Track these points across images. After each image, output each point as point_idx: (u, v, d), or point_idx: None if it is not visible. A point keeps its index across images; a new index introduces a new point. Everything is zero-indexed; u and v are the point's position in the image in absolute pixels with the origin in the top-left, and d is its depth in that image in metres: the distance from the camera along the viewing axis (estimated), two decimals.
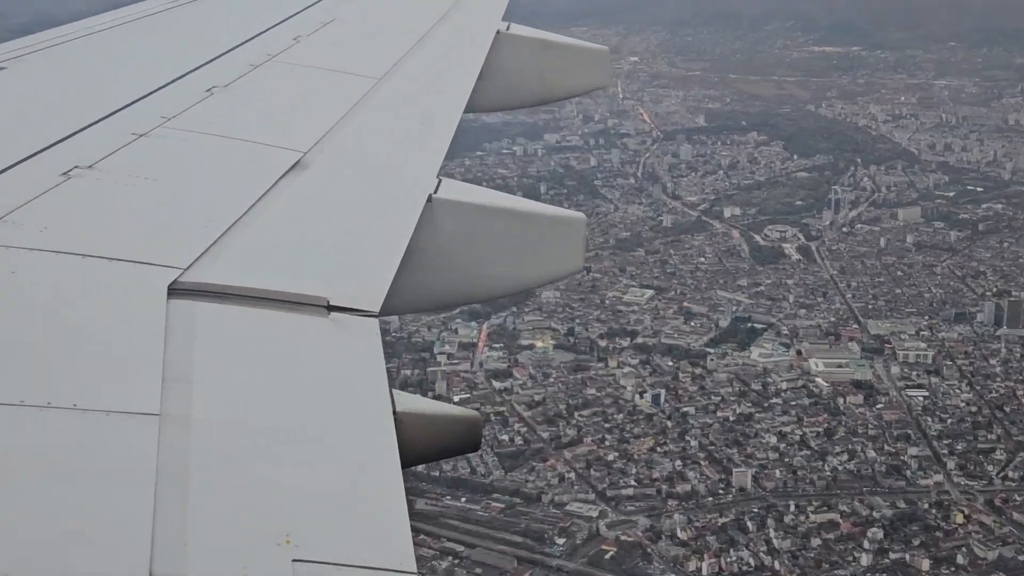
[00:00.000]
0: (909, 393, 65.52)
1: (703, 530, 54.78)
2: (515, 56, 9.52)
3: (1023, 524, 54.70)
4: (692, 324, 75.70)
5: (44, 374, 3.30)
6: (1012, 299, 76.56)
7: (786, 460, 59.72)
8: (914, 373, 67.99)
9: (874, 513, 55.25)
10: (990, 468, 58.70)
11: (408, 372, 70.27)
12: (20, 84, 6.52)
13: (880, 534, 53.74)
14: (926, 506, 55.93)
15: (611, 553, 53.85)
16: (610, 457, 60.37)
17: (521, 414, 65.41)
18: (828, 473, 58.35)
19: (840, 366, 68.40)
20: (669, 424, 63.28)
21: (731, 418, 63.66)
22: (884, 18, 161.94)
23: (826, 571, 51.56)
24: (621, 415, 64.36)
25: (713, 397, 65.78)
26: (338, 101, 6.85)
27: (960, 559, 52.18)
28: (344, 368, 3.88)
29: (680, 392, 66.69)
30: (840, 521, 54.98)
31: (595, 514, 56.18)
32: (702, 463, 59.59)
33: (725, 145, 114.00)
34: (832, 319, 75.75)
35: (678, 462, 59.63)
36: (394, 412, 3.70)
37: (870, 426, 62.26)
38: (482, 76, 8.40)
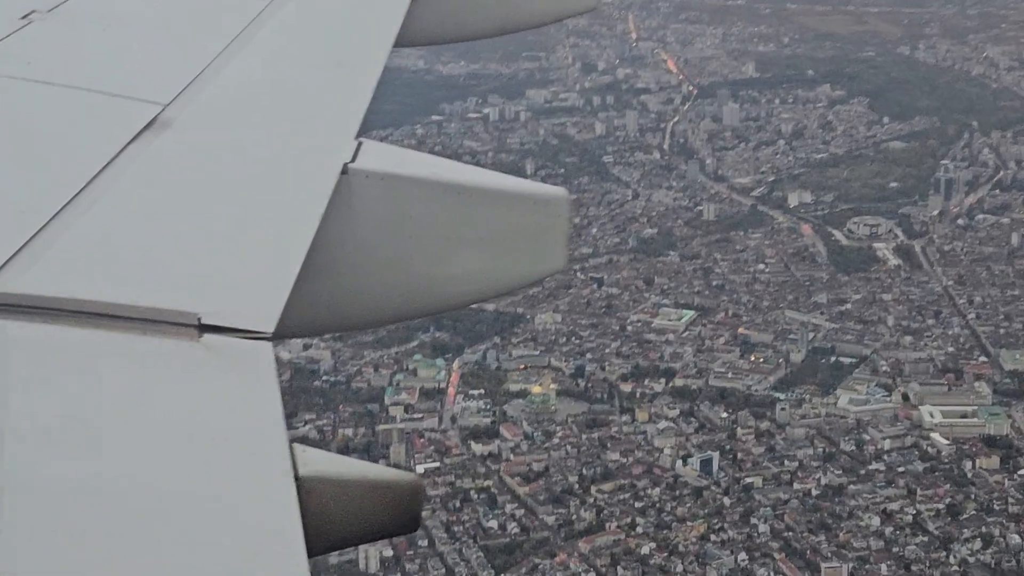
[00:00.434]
0: None
1: None
2: None
3: None
4: (752, 359, 76.34)
5: None
6: None
7: (895, 551, 60.26)
8: None
9: None
10: None
11: (348, 432, 70.61)
12: None
13: None
14: None
15: None
16: (645, 550, 60.76)
17: (515, 490, 65.74)
18: (955, 568, 58.93)
19: (964, 416, 69.14)
20: (727, 502, 63.77)
21: (814, 492, 64.19)
22: None
23: None
24: (658, 489, 64.82)
25: (788, 463, 66.33)
26: (214, 32, 6.90)
27: None
28: (221, 414, 3.84)
29: (740, 456, 67.26)
30: None
31: None
32: (776, 556, 60.08)
33: (785, 104, 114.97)
34: (950, 350, 76.50)
35: (743, 556, 60.10)
36: (296, 478, 3.66)
37: (1011, 500, 62.94)
38: None
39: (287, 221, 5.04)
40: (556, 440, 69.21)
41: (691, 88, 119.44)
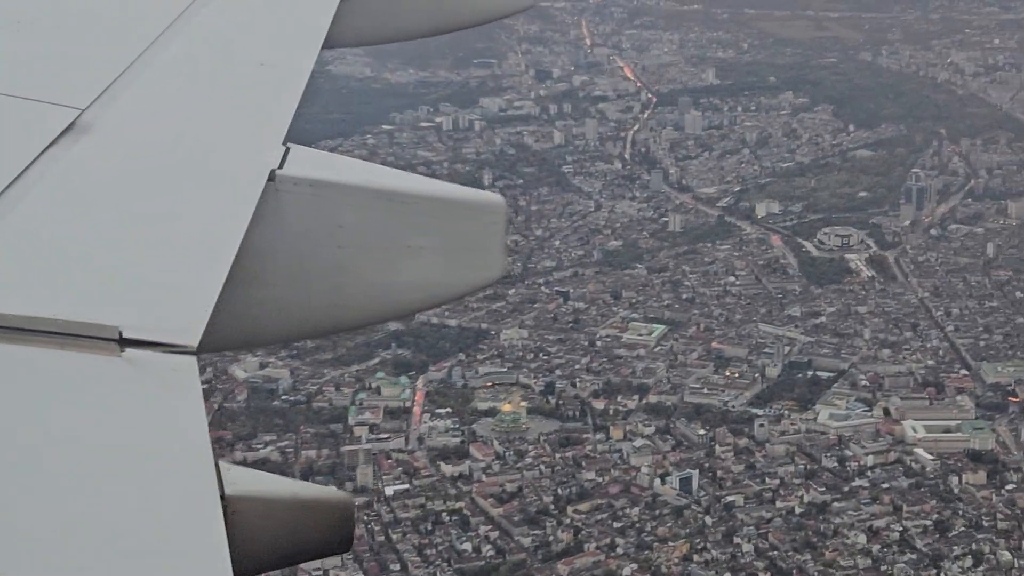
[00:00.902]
0: None
1: None
2: None
3: None
4: (727, 374, 76.78)
5: None
6: None
7: (883, 569, 60.72)
8: None
9: None
10: None
11: (312, 453, 70.49)
12: None
13: None
14: None
15: None
16: (626, 571, 60.95)
17: (488, 511, 65.80)
18: None
19: (948, 431, 69.80)
20: (708, 521, 64.06)
21: (798, 510, 64.57)
22: None
23: None
24: (636, 509, 65.03)
25: (769, 480, 66.75)
26: (134, 33, 6.83)
27: None
28: (143, 431, 3.79)
29: (720, 474, 67.57)
30: None
31: None
32: None
33: (748, 112, 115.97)
34: (929, 363, 77.26)
35: None
36: (222, 497, 3.66)
37: (999, 516, 63.56)
38: None
39: (212, 230, 5.01)
40: (529, 459, 69.31)
41: (650, 96, 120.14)
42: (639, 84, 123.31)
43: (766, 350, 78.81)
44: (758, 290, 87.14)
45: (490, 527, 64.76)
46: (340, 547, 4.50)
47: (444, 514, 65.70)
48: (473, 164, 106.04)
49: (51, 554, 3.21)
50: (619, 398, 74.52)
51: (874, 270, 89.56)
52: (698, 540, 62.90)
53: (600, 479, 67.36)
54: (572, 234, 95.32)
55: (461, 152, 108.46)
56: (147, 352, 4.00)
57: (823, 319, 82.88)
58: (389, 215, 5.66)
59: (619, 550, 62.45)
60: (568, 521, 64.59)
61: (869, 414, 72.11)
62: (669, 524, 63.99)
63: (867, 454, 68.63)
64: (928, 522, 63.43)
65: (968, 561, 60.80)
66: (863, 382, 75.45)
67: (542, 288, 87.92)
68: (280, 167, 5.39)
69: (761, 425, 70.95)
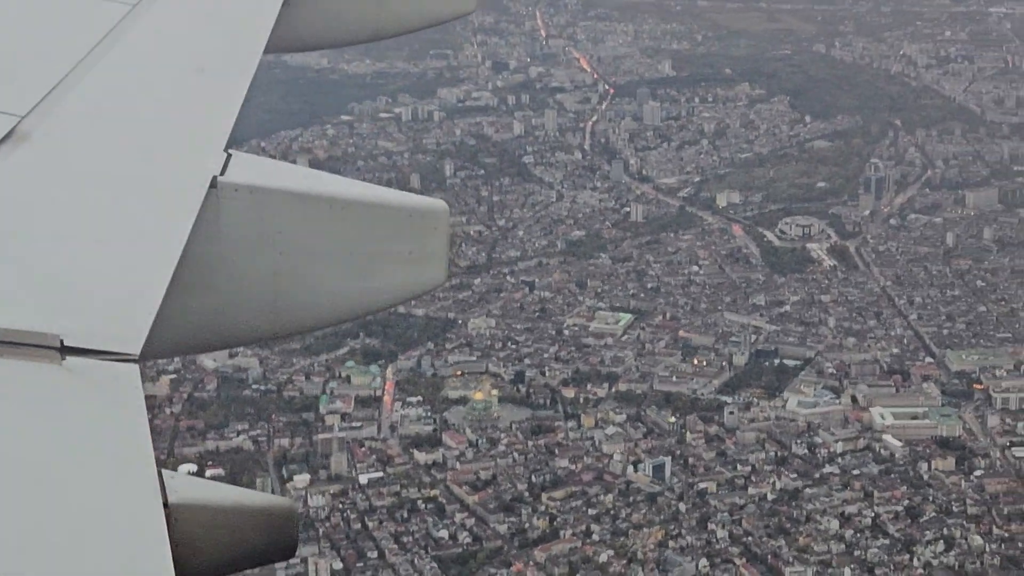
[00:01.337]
0: (1017, 453, 67.95)
1: None
2: None
3: None
4: (695, 363, 77.43)
5: None
6: None
7: (857, 554, 61.43)
8: (1020, 424, 70.54)
9: None
10: None
11: (285, 442, 70.63)
12: None
13: None
14: None
15: None
16: (603, 558, 61.38)
17: (463, 499, 66.13)
18: (920, 571, 60.15)
19: (915, 418, 70.61)
20: (682, 508, 64.62)
21: (770, 496, 65.30)
22: None
23: None
24: (610, 496, 65.51)
25: (741, 467, 67.40)
26: (73, 39, 6.75)
27: None
28: (85, 440, 3.76)
29: (692, 461, 68.19)
30: None
31: None
32: (738, 562, 61.05)
33: (706, 103, 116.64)
34: (895, 351, 78.15)
35: (703, 561, 60.95)
36: (165, 505, 3.67)
37: (969, 502, 64.38)
38: (288, 1, 8.54)
39: (153, 237, 4.97)
40: (502, 447, 69.69)
41: (607, 87, 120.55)
42: (596, 75, 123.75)
43: (732, 339, 79.44)
44: (722, 279, 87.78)
45: (466, 514, 65.08)
46: (283, 554, 4.50)
47: (419, 502, 65.99)
48: (434, 154, 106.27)
49: None
50: (589, 386, 74.99)
51: (836, 259, 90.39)
52: (673, 526, 63.44)
53: (573, 467, 67.81)
54: (535, 224, 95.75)
55: (422, 142, 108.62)
56: (88, 360, 3.97)
57: (787, 308, 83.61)
58: (331, 221, 5.65)
59: (595, 536, 62.89)
60: (543, 508, 65.00)
61: (837, 401, 72.83)
62: (643, 511, 64.47)
63: (836, 441, 69.32)
64: (899, 508, 64.17)
65: (940, 546, 61.53)
66: (830, 370, 76.18)
67: (507, 278, 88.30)
68: (222, 174, 5.37)
69: (731, 413, 71.57)
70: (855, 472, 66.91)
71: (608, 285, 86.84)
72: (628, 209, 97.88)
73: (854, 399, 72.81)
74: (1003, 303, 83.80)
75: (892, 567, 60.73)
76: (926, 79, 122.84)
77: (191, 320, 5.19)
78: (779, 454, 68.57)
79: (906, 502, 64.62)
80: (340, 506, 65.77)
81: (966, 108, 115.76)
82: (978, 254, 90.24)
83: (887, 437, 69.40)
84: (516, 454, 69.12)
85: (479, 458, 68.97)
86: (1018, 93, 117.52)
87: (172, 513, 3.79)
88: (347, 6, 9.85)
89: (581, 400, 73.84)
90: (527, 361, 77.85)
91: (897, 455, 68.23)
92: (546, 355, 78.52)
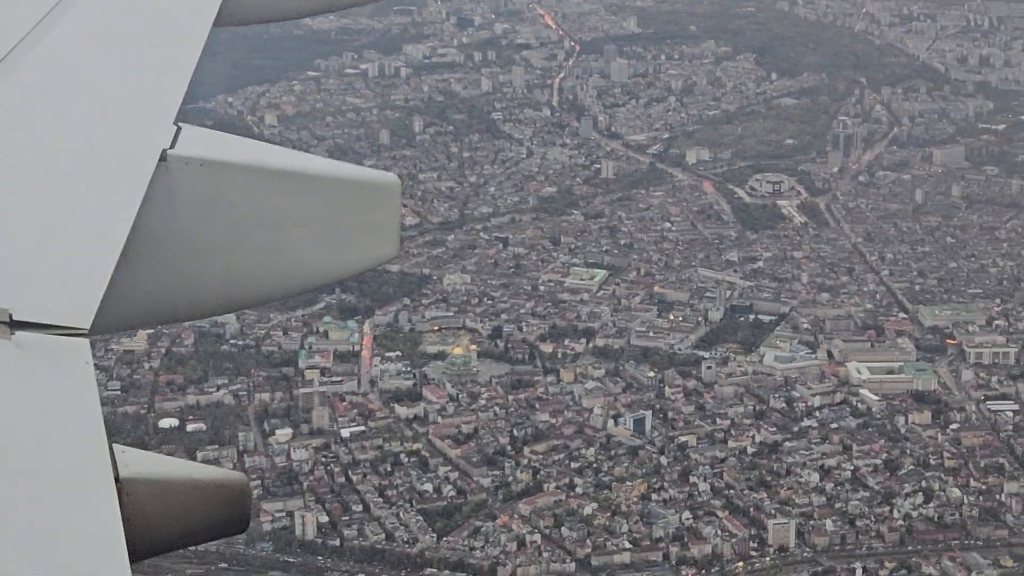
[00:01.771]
0: (992, 406, 68.95)
1: None
2: None
3: None
4: (671, 318, 78.02)
5: None
6: None
7: (838, 506, 62.25)
8: (994, 379, 71.57)
9: None
10: None
11: (266, 396, 70.84)
12: None
13: None
14: None
15: None
16: (587, 511, 61.96)
17: (446, 452, 66.55)
18: (900, 523, 61.07)
19: (891, 372, 71.42)
20: (663, 461, 65.26)
21: (750, 449, 66.11)
22: None
23: None
24: (592, 449, 66.11)
25: (720, 420, 68.18)
26: (20, 14, 6.65)
27: None
28: (35, 415, 3.76)
29: (671, 415, 68.86)
30: None
31: None
32: (720, 515, 61.76)
33: (672, 60, 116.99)
34: (869, 306, 79.00)
35: (687, 514, 61.60)
36: (117, 479, 3.65)
37: (947, 454, 65.28)
38: None
39: (103, 211, 4.93)
40: (482, 402, 70.20)
41: (573, 44, 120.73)
42: (561, 32, 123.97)
43: (707, 294, 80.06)
44: (694, 236, 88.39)
45: (449, 468, 65.51)
46: (236, 528, 4.47)
47: (402, 455, 66.37)
48: (403, 111, 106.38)
49: None
50: (566, 341, 75.52)
51: (806, 216, 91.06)
52: (655, 480, 64.05)
53: (554, 420, 68.36)
54: (506, 180, 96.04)
55: (390, 99, 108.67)
56: (38, 335, 3.96)
57: (760, 264, 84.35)
58: (281, 194, 5.64)
59: (579, 490, 63.49)
60: (526, 462, 65.51)
61: (813, 356, 73.55)
62: (625, 464, 65.09)
63: (814, 395, 70.11)
64: (878, 461, 65.04)
65: (919, 498, 62.41)
66: (805, 325, 76.95)
67: (480, 234, 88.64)
68: (171, 147, 5.36)
69: (708, 367, 72.21)
70: (833, 426, 67.69)
71: (581, 241, 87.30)
72: (599, 166, 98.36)
73: (830, 354, 73.58)
74: (973, 259, 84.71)
75: (873, 519, 61.50)
76: (889, 37, 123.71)
77: (143, 293, 5.13)
78: (757, 408, 69.27)
79: (884, 455, 65.51)
80: (323, 460, 66.09)
81: (930, 66, 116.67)
82: (947, 211, 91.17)
83: (864, 391, 70.19)
84: (497, 408, 69.64)
85: (460, 412, 69.43)
86: (980, 51, 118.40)
87: (124, 488, 3.76)
88: None
89: (559, 355, 74.39)
90: (504, 316, 78.30)
91: (874, 409, 69.07)
92: (523, 311, 78.96)
